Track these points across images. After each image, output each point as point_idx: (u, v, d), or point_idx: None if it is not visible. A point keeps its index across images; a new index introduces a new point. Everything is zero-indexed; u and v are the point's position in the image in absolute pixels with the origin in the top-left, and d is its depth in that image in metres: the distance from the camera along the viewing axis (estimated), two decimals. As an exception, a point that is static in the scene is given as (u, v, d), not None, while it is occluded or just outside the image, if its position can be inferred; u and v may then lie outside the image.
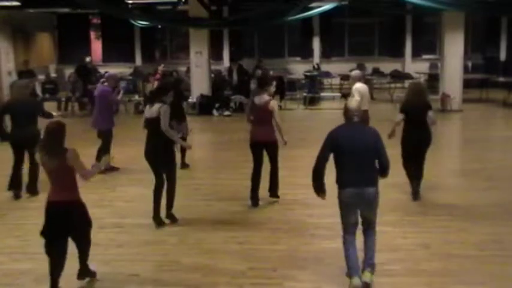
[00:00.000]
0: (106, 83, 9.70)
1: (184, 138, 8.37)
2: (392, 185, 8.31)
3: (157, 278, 5.32)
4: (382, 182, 8.36)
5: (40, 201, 7.80)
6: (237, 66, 18.16)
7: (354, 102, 5.30)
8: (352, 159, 5.01)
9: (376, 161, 5.14)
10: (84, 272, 5.30)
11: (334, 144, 5.14)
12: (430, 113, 7.44)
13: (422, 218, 6.87)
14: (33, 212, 7.38)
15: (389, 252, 5.79)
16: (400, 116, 7.58)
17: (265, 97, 7.38)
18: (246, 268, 5.48)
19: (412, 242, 6.06)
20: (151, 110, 6.84)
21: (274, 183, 7.72)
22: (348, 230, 5.09)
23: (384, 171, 5.20)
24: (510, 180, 8.65)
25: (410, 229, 6.48)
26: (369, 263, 5.10)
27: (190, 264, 5.62)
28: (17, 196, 8.09)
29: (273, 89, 7.71)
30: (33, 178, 8.12)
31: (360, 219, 5.12)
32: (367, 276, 5.04)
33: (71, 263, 5.69)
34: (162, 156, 6.77)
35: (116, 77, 10.33)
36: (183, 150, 8.92)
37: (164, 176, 6.81)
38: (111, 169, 9.13)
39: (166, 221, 6.84)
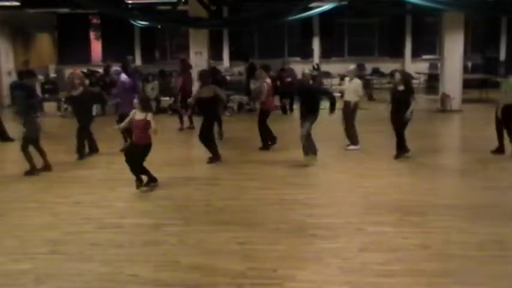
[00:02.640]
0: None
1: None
2: (392, 185, 8.34)
3: (157, 278, 5.32)
4: (381, 182, 8.44)
5: (39, 201, 7.83)
6: (247, 66, 17.92)
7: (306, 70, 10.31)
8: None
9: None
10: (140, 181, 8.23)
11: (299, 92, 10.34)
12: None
13: (422, 218, 6.87)
14: (32, 212, 7.39)
15: (389, 252, 5.79)
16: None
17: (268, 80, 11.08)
18: (246, 268, 5.47)
19: (411, 242, 6.05)
20: (206, 91, 9.77)
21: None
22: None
23: (330, 100, 9.58)
24: (510, 180, 8.65)
25: (410, 229, 6.47)
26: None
27: (190, 264, 5.62)
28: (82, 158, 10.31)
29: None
30: (94, 145, 10.69)
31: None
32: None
33: (71, 263, 5.70)
34: (218, 117, 10.77)
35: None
36: (221, 125, 11.76)
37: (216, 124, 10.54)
38: None
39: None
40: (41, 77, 17.39)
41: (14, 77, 17.85)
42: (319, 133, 10.70)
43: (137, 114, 8.09)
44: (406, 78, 10.09)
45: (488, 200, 7.53)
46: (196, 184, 8.66)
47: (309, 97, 9.58)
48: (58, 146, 10.32)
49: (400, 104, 9.55)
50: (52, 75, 19.88)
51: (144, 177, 8.24)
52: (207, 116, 9.87)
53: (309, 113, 9.49)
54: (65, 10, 20.26)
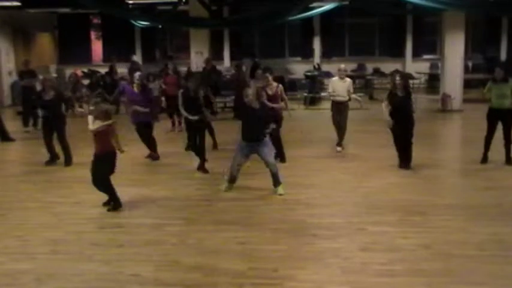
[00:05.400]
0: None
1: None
2: (392, 185, 8.34)
3: (158, 278, 5.32)
4: (382, 182, 8.44)
5: (40, 201, 7.83)
6: (251, 65, 17.70)
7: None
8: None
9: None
10: None
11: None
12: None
13: (423, 218, 6.86)
14: (33, 212, 7.39)
15: (390, 252, 5.79)
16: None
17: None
18: (246, 268, 5.47)
19: (412, 242, 6.05)
20: None
21: None
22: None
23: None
24: (510, 180, 8.65)
25: (410, 229, 6.47)
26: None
27: (190, 264, 5.62)
28: None
29: None
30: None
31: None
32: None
33: (71, 263, 5.70)
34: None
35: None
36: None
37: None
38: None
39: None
40: (41, 77, 17.37)
41: (14, 77, 17.89)
42: (318, 132, 10.72)
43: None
44: (406, 82, 9.47)
45: (488, 200, 7.53)
46: (196, 184, 8.65)
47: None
48: (58, 146, 10.29)
49: (402, 111, 8.99)
50: (53, 75, 19.87)
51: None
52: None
53: None
54: (66, 10, 20.28)
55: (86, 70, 20.71)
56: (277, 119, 9.24)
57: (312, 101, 17.51)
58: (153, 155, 10.17)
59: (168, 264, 5.63)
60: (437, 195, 7.87)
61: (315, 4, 15.62)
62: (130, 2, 16.43)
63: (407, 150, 9.15)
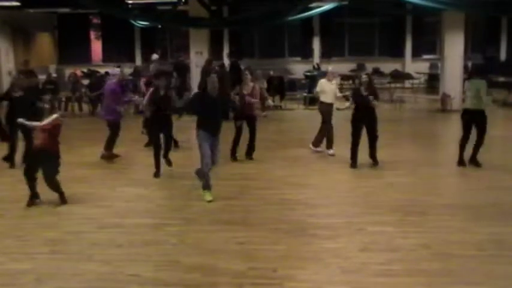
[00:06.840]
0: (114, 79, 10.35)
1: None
2: (392, 185, 8.34)
3: (158, 278, 5.32)
4: (381, 182, 8.45)
5: (40, 201, 7.82)
6: (229, 64, 17.68)
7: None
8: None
9: None
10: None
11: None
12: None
13: (422, 218, 6.87)
14: (33, 212, 7.39)
15: (390, 252, 5.79)
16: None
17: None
18: (246, 268, 5.47)
19: (412, 242, 6.05)
20: None
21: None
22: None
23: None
24: (510, 180, 8.65)
25: (410, 229, 6.47)
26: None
27: (190, 264, 5.62)
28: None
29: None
30: None
31: None
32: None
33: (71, 263, 5.70)
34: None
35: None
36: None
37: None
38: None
39: None
40: (42, 77, 17.40)
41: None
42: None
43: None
44: (371, 82, 9.40)
45: (488, 200, 7.53)
46: (196, 184, 8.64)
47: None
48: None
49: (365, 109, 9.07)
50: (53, 75, 19.91)
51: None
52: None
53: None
54: (65, 10, 20.31)
55: (85, 70, 20.72)
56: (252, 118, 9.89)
57: (312, 101, 17.47)
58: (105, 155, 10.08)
59: (168, 264, 5.63)
60: (437, 195, 7.87)
61: (314, 4, 15.63)
62: (130, 2, 16.43)
63: (373, 147, 9.27)
